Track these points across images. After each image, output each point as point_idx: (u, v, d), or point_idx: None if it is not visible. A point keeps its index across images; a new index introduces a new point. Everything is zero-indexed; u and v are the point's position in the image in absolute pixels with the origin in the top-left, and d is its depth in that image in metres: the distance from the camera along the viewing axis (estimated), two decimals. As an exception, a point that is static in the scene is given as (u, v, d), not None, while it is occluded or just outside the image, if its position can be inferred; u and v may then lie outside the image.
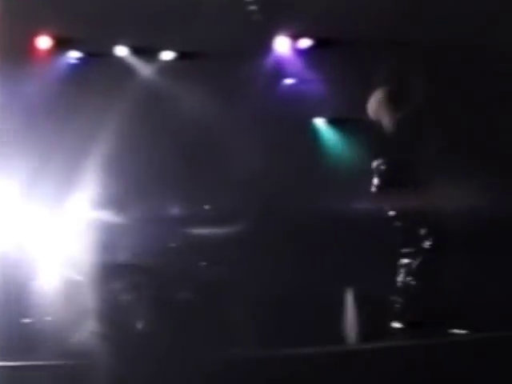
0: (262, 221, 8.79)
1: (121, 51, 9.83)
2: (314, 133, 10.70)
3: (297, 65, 10.36)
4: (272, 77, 10.29)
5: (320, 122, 10.74)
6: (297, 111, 10.08)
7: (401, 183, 6.40)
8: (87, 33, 9.35)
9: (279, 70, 10.38)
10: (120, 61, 9.87)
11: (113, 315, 7.22)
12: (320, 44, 9.95)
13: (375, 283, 7.36)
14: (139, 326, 7.10)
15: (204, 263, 8.49)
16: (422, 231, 6.36)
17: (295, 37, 9.99)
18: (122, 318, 7.20)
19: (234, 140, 9.48)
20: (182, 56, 9.92)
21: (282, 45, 10.03)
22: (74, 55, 9.93)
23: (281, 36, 9.97)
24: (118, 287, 8.02)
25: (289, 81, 10.47)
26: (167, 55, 9.93)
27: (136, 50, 9.85)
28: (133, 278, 7.87)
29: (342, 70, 9.79)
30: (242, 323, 7.88)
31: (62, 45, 9.80)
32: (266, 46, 9.91)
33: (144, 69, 9.97)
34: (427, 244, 6.33)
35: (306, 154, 10.10)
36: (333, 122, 10.69)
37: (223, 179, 9.29)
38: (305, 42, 10.02)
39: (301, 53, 10.13)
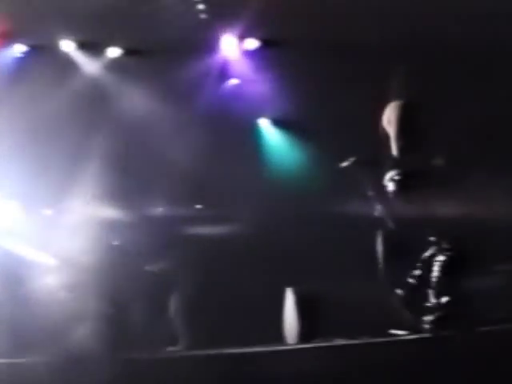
0: (206, 221, 8.78)
1: (67, 46, 9.74)
2: (258, 133, 10.75)
3: (243, 65, 10.40)
4: (218, 76, 10.31)
5: (264, 123, 10.79)
6: (241, 111, 10.12)
7: (415, 189, 6.61)
8: (32, 27, 9.26)
9: (225, 70, 10.40)
10: (65, 56, 9.78)
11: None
12: (266, 45, 10.00)
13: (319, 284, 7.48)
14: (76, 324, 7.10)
15: (147, 264, 8.45)
16: (434, 237, 6.54)
17: (242, 37, 10.02)
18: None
19: (178, 139, 9.48)
20: (128, 53, 9.87)
21: (228, 45, 10.05)
22: (18, 49, 9.81)
23: (228, 36, 9.99)
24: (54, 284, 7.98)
25: (234, 81, 10.50)
26: (113, 52, 9.87)
27: (82, 45, 9.77)
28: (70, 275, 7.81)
29: (287, 71, 9.89)
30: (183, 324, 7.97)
31: (6, 38, 9.68)
32: (212, 45, 9.91)
33: (89, 64, 9.89)
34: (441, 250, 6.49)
35: (249, 154, 10.14)
36: (277, 122, 10.76)
37: (164, 178, 9.22)
38: (251, 43, 10.06)
39: (247, 53, 10.17)
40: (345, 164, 7.97)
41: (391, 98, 6.77)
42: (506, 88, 8.71)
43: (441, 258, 6.56)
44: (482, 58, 8.90)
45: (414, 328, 6.95)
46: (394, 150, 6.56)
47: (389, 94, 7.77)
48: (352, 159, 7.96)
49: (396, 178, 6.65)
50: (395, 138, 6.58)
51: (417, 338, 6.14)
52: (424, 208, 6.61)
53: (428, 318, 6.50)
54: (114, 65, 9.89)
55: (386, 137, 6.71)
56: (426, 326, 6.44)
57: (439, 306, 6.47)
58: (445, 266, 6.50)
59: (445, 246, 6.53)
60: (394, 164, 6.65)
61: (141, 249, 8.26)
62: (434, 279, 6.56)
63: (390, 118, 6.68)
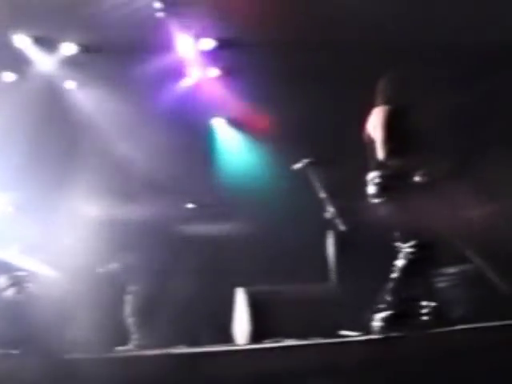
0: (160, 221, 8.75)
1: (21, 41, 9.63)
2: (212, 133, 10.76)
3: (198, 64, 10.40)
4: (173, 75, 10.30)
5: (219, 122, 10.81)
6: (197, 111, 10.13)
7: (395, 191, 6.61)
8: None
9: (181, 69, 10.39)
10: (19, 51, 9.68)
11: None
12: (222, 44, 10.00)
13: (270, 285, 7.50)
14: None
15: (100, 264, 8.41)
16: (411, 238, 6.56)
17: (197, 36, 10.01)
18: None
19: (132, 138, 9.45)
20: (84, 50, 9.78)
21: (184, 44, 10.04)
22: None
23: (183, 36, 9.97)
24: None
25: (189, 80, 10.50)
26: (69, 48, 9.78)
27: (37, 41, 9.67)
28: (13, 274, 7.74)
29: (242, 71, 9.91)
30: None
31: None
32: (168, 44, 9.88)
33: (44, 60, 9.80)
34: (411, 249, 6.52)
35: (203, 153, 10.16)
36: (232, 122, 10.78)
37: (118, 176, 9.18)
38: (207, 43, 10.06)
39: (203, 53, 10.17)
40: (298, 165, 8.00)
41: (375, 102, 6.79)
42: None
43: (401, 261, 6.62)
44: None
45: (365, 329, 7.02)
46: (379, 155, 6.58)
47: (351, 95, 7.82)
48: (305, 160, 8.00)
49: (376, 180, 6.69)
50: (380, 143, 6.60)
51: (367, 339, 6.17)
52: (396, 212, 6.67)
53: (379, 318, 6.55)
54: (69, 61, 9.81)
55: (371, 141, 6.74)
56: (378, 327, 6.48)
57: (392, 306, 6.53)
58: (404, 269, 6.56)
59: (406, 249, 6.59)
60: (376, 167, 6.68)
61: (93, 249, 8.21)
62: (392, 281, 6.61)
63: (374, 123, 6.71)
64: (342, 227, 7.64)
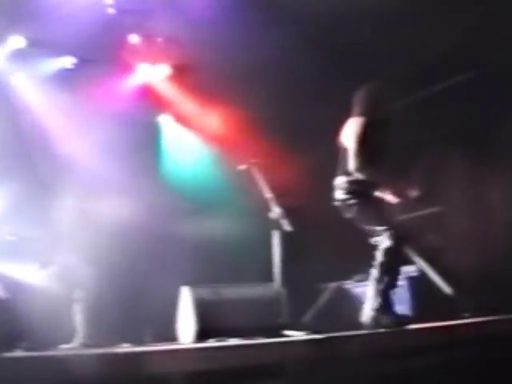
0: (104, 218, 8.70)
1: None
2: (159, 130, 10.74)
3: (147, 61, 10.38)
4: (122, 72, 10.26)
5: (166, 120, 10.80)
6: (143, 108, 10.11)
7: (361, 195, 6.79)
8: None
9: (129, 66, 10.35)
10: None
11: None
12: (172, 42, 9.99)
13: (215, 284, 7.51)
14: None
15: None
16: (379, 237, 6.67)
17: (147, 33, 9.99)
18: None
19: (78, 134, 9.39)
20: (31, 44, 9.68)
21: (133, 40, 10.02)
22: None
23: (133, 32, 9.94)
24: None
25: (138, 77, 10.47)
26: (16, 42, 9.66)
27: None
28: None
29: (191, 69, 9.92)
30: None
31: None
32: (117, 40, 9.84)
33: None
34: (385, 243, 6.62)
35: (149, 150, 10.15)
36: (179, 119, 10.78)
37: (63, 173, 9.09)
38: (156, 40, 10.05)
39: (152, 50, 10.14)
40: (242, 166, 8.02)
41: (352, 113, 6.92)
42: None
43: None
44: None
45: (310, 329, 7.07)
46: (350, 166, 6.71)
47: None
48: (251, 161, 8.02)
49: (343, 185, 6.82)
50: (352, 155, 6.71)
51: (311, 339, 6.21)
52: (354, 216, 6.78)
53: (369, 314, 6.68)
54: (16, 55, 9.71)
55: (343, 149, 6.86)
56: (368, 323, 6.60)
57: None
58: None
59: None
60: (344, 173, 6.82)
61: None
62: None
63: (349, 133, 6.82)
64: (287, 227, 7.68)
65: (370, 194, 6.83)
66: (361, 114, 6.79)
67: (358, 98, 6.90)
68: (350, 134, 6.80)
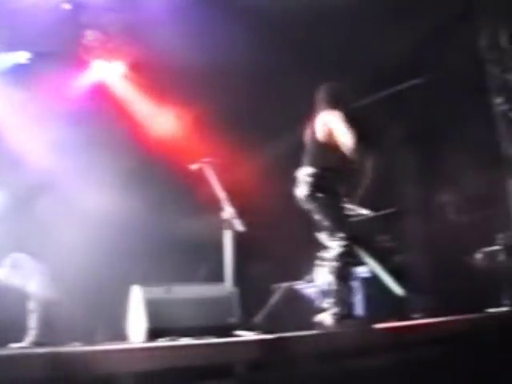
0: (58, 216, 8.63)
1: None
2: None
3: (104, 59, 10.30)
4: (78, 69, 10.19)
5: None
6: (103, 107, 10.04)
7: (325, 190, 6.82)
8: None
9: (86, 63, 10.28)
10: None
11: None
12: (129, 39, 9.93)
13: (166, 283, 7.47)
14: None
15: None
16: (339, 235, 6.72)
17: (104, 30, 9.91)
18: None
19: (36, 132, 9.31)
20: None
21: (90, 37, 9.93)
22: None
23: (90, 28, 9.87)
24: None
25: (94, 74, 10.39)
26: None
27: None
28: None
29: (149, 66, 9.87)
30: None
31: None
32: (73, 37, 9.76)
33: None
34: (340, 246, 6.67)
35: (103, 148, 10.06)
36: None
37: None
38: (113, 37, 9.98)
39: (108, 47, 10.08)
40: (195, 165, 7.99)
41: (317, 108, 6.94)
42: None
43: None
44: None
45: (261, 329, 7.07)
46: (348, 147, 6.75)
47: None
48: (204, 160, 7.99)
49: (308, 179, 6.83)
50: (350, 140, 6.74)
51: (262, 339, 6.21)
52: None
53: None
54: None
55: (312, 144, 6.89)
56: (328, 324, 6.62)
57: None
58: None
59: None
60: (311, 166, 6.85)
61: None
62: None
63: (331, 126, 6.85)
64: (239, 227, 7.67)
65: (335, 191, 6.84)
66: (334, 108, 6.84)
67: (324, 95, 6.96)
68: (321, 127, 6.85)
